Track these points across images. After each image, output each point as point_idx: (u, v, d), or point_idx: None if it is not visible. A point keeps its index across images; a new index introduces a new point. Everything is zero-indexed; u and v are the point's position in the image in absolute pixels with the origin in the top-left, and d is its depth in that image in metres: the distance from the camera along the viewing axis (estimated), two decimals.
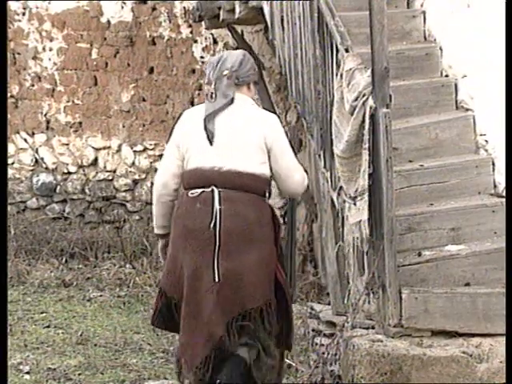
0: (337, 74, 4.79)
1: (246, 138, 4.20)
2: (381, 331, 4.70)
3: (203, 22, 7.61)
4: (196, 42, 8.15)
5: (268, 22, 6.00)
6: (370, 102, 4.43)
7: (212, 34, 8.06)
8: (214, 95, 4.22)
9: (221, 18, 6.88)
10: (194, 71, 8.18)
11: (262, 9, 6.04)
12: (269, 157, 4.22)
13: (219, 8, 6.84)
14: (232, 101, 4.23)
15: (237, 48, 7.80)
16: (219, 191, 4.16)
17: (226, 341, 4.11)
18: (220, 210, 4.14)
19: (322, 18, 5.03)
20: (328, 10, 4.97)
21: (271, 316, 4.19)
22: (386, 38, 4.35)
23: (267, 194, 4.28)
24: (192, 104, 8.17)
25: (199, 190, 4.18)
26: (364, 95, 4.47)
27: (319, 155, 5.47)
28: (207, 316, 4.13)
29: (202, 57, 8.14)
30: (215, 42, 8.10)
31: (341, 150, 4.68)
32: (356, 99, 4.53)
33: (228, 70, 4.22)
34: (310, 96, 5.42)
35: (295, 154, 4.37)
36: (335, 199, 5.24)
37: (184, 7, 8.10)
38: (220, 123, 4.21)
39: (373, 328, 4.83)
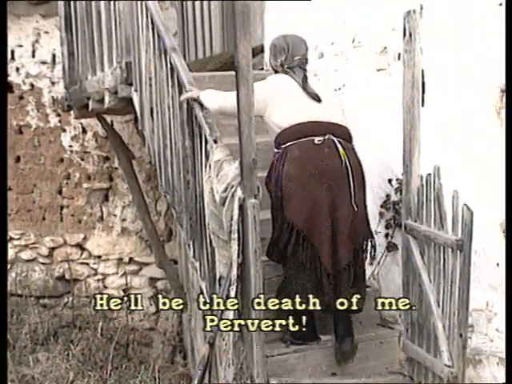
0: (206, 165, 4.83)
1: None
2: None
3: (72, 112, 7.58)
4: (64, 130, 8.09)
5: (138, 113, 6.00)
6: (239, 192, 4.48)
7: (81, 123, 8.02)
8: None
9: (90, 107, 6.86)
10: (62, 160, 8.09)
11: (131, 99, 6.04)
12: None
13: (88, 98, 6.81)
14: None
15: (106, 137, 7.81)
16: (337, 139, 4.85)
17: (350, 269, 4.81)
18: (345, 152, 4.81)
19: (192, 109, 5.08)
20: (197, 101, 5.05)
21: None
22: (254, 130, 4.43)
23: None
24: (60, 193, 8.06)
25: (321, 138, 4.81)
26: (232, 186, 4.53)
27: (188, 245, 5.46)
28: (344, 238, 4.78)
29: (70, 146, 8.08)
30: (84, 131, 8.06)
31: (222, 234, 4.70)
32: (225, 190, 4.56)
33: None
34: (180, 186, 5.43)
35: None
36: (204, 289, 5.22)
37: (52, 96, 8.05)
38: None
39: None
